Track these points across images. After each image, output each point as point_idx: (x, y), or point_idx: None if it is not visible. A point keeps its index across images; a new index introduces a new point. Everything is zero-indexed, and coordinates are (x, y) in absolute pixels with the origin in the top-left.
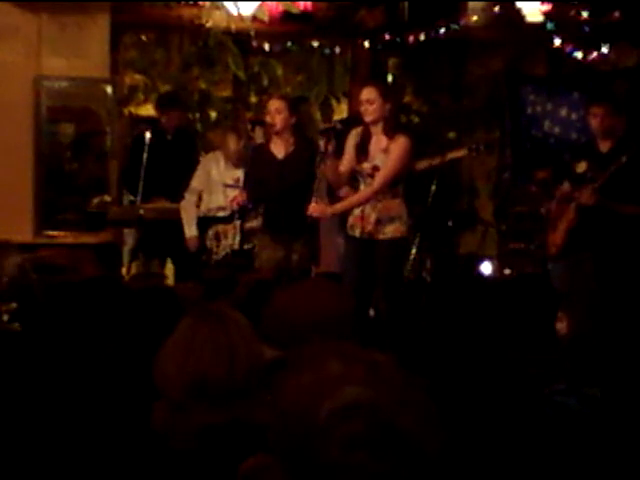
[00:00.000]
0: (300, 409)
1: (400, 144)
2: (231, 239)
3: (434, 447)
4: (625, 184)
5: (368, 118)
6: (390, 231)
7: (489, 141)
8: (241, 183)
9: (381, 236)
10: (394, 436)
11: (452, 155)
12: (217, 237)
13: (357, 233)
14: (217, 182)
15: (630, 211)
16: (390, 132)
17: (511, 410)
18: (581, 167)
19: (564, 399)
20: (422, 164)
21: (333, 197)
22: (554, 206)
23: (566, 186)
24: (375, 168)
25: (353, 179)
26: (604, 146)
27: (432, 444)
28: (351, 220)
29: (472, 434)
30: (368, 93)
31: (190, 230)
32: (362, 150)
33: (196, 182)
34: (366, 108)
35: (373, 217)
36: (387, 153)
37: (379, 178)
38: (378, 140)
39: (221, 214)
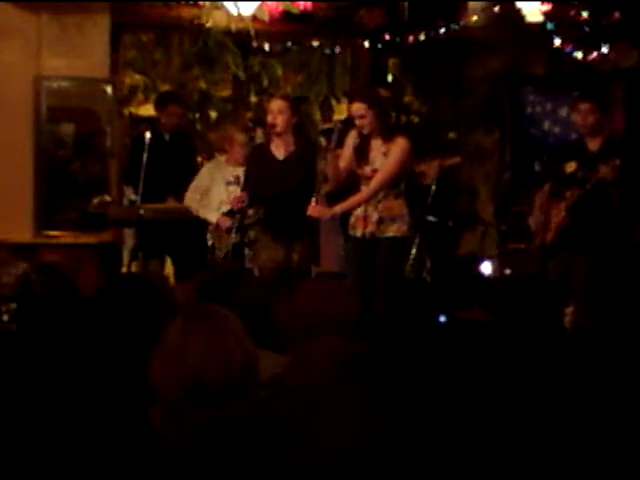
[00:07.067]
0: None
1: (399, 146)
2: (233, 234)
3: None
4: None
5: (365, 131)
6: (392, 230)
7: (487, 146)
8: (241, 181)
9: (383, 235)
10: None
11: (448, 162)
12: (219, 233)
13: (359, 233)
14: (219, 181)
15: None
16: (387, 135)
17: (512, 410)
18: (571, 167)
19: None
20: (420, 169)
21: (332, 198)
22: (538, 212)
23: (546, 188)
24: (375, 171)
25: (355, 183)
26: (593, 145)
27: None
28: (353, 220)
29: (470, 434)
30: (357, 109)
31: (213, 215)
32: (362, 154)
33: (199, 181)
34: (360, 122)
35: (375, 217)
36: (386, 156)
37: (376, 179)
38: (377, 144)
39: (222, 209)
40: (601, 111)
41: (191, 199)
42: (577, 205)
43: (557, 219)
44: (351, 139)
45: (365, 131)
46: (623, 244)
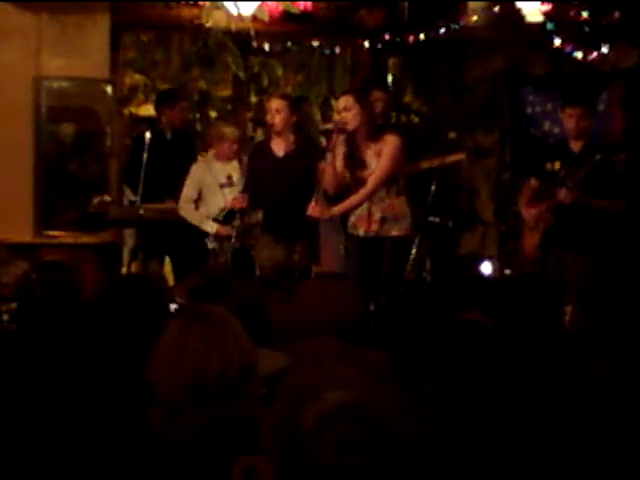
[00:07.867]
0: (288, 414)
1: (390, 143)
2: (233, 238)
3: (420, 443)
4: (598, 182)
5: (349, 126)
6: (395, 230)
7: (487, 146)
8: (235, 180)
9: (387, 235)
10: (382, 436)
11: (451, 159)
12: (219, 239)
13: (361, 232)
14: (213, 185)
15: (606, 206)
16: (375, 136)
17: (512, 411)
18: (555, 167)
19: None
20: (422, 165)
21: (331, 198)
22: (527, 209)
23: (533, 183)
24: (372, 174)
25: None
26: (576, 146)
27: (418, 440)
28: (353, 219)
29: (470, 434)
30: (345, 101)
31: (211, 226)
32: (356, 160)
33: (188, 191)
34: (345, 116)
35: (378, 216)
36: (380, 155)
37: (372, 178)
38: (368, 147)
39: (222, 215)
40: (590, 115)
41: (186, 210)
42: (561, 204)
43: (544, 218)
44: (339, 148)
45: (349, 127)
46: (620, 242)
